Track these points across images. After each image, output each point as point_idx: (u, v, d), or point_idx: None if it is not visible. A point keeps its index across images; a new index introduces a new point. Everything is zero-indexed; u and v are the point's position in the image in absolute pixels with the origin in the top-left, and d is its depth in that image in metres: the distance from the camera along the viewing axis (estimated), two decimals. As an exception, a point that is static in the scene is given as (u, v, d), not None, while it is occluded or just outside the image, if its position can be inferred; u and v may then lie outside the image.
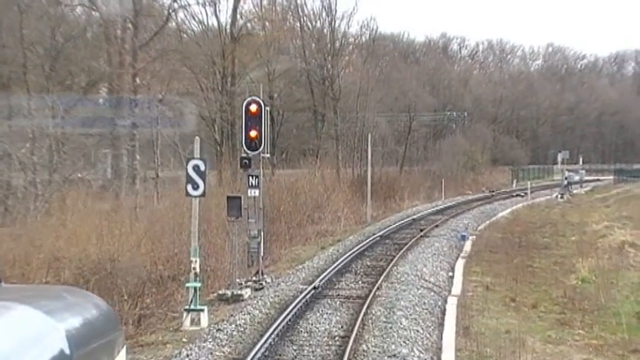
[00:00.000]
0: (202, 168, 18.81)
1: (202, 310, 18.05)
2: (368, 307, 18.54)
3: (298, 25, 65.15)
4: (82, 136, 38.71)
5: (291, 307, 18.27)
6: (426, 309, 19.27)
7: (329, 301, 19.68)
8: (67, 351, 3.53)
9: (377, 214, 45.74)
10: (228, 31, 51.64)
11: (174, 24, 50.43)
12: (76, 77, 43.69)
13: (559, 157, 78.45)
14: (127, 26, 41.49)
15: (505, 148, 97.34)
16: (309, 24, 66.18)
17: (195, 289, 18.05)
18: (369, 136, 46.87)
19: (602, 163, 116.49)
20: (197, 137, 19.69)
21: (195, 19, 52.35)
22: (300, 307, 18.81)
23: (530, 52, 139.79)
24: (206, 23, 52.36)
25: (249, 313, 18.12)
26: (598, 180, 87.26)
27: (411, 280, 22.86)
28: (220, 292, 21.22)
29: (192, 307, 17.97)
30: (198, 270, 18.33)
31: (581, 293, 23.24)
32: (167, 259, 25.27)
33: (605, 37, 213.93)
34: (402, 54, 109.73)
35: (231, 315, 18.21)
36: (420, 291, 21.36)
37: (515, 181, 77.73)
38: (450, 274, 25.74)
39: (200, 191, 18.76)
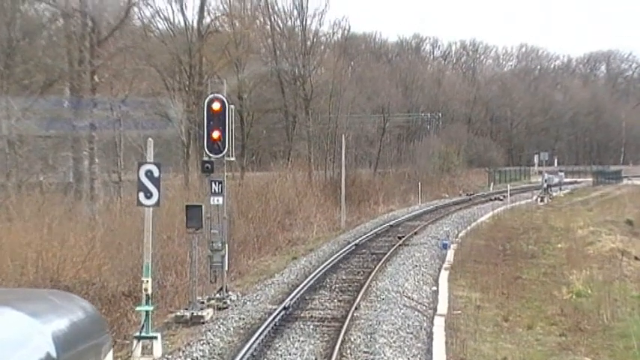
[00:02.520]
0: (156, 174, 16.33)
1: (155, 338, 15.65)
2: (346, 333, 16.23)
3: (268, 23, 62.88)
4: (40, 138, 36.45)
5: (257, 334, 15.91)
6: (411, 333, 17.00)
7: (301, 325, 17.32)
8: (54, 354, 3.58)
9: (351, 219, 43.45)
10: (195, 28, 49.22)
11: (138, 21, 48.05)
12: (34, 76, 41.33)
13: (536, 159, 76.72)
14: (87, 22, 39.08)
15: (480, 150, 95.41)
16: (279, 22, 63.97)
17: (147, 313, 15.64)
18: (343, 137, 44.60)
19: (577, 164, 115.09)
20: (150, 139, 17.34)
21: (160, 16, 49.85)
22: (269, 332, 16.47)
23: (504, 52, 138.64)
24: (172, 20, 49.89)
25: (209, 342, 15.73)
26: (576, 182, 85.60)
27: (392, 298, 20.57)
28: (178, 313, 18.81)
29: (143, 333, 15.56)
30: (150, 291, 15.89)
31: (578, 310, 21.11)
32: (123, 272, 22.86)
33: (578, 38, 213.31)
34: (375, 54, 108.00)
35: (188, 344, 15.83)
36: (402, 310, 19.08)
37: (492, 184, 75.77)
38: (434, 288, 23.49)
39: (154, 200, 16.26)
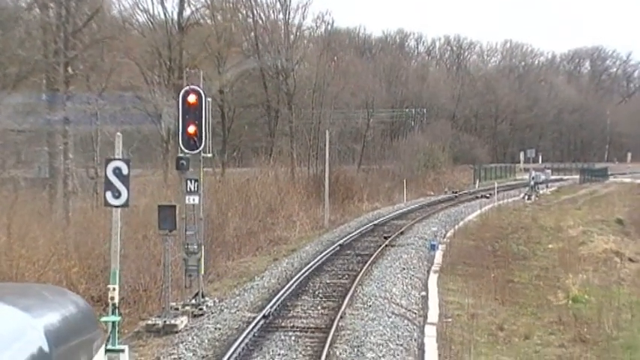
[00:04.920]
0: (125, 171, 14.86)
1: (122, 351, 14.24)
2: (331, 346, 14.91)
3: (251, 16, 61.44)
4: (13, 132, 35.07)
5: (234, 347, 14.57)
6: (401, 345, 15.72)
7: (282, 336, 15.97)
8: (46, 348, 3.56)
9: (335, 217, 42.10)
10: (175, 20, 47.82)
11: (117, 13, 46.62)
12: (7, 68, 39.92)
13: (521, 156, 75.75)
14: (61, 12, 37.68)
15: (465, 147, 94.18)
16: (262, 15, 62.54)
17: (113, 324, 14.23)
18: (327, 132, 43.24)
19: (561, 161, 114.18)
20: (118, 134, 15.93)
21: (139, 8, 48.36)
22: (246, 345, 15.13)
23: (488, 48, 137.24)
24: (152, 12, 48.39)
25: (181, 357, 14.35)
26: (561, 179, 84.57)
27: (380, 305, 19.24)
28: (150, 321, 17.44)
29: (109, 346, 14.14)
30: (117, 300, 14.49)
31: (576, 317, 19.89)
32: (94, 274, 21.53)
33: (562, 34, 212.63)
34: (358, 49, 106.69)
35: (158, 358, 14.45)
36: (391, 319, 17.77)
37: (477, 181, 74.56)
38: (423, 293, 22.21)
39: (122, 200, 14.79)
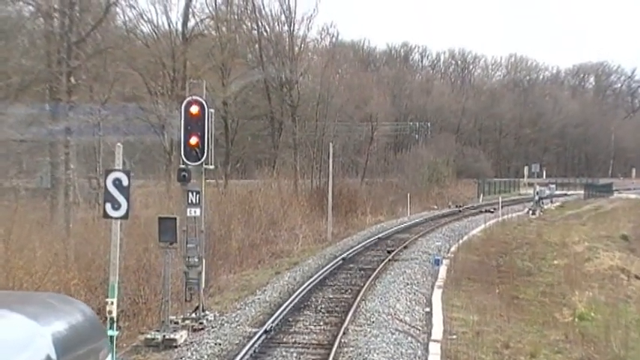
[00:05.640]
0: (125, 182, 14.57)
1: (120, 366, 13.99)
2: (333, 364, 14.59)
3: (255, 27, 61.19)
4: (15, 142, 34.89)
5: (234, 364, 14.26)
6: (405, 362, 15.36)
7: (283, 353, 15.64)
8: (54, 356, 3.59)
9: (338, 231, 41.75)
10: (179, 31, 47.66)
11: (121, 23, 46.43)
12: (10, 77, 39.75)
13: (526, 170, 75.35)
14: (65, 22, 37.50)
15: (469, 160, 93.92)
16: (266, 27, 62.25)
17: (110, 338, 13.90)
18: (330, 145, 42.93)
19: (565, 176, 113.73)
20: (119, 144, 15.64)
21: (143, 18, 48.15)
22: (247, 361, 14.81)
23: (493, 62, 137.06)
24: (156, 22, 48.20)
25: (180, 374, 14.03)
26: (566, 194, 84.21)
27: (383, 321, 18.90)
28: (149, 335, 17.11)
29: (107, 361, 13.83)
30: (115, 314, 14.19)
31: (583, 335, 19.58)
32: (94, 287, 21.20)
33: (567, 49, 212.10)
34: (363, 62, 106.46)
35: (157, 374, 14.14)
36: (394, 336, 17.42)
37: (481, 195, 74.20)
38: (427, 309, 21.85)
39: (122, 212, 14.49)
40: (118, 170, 14.74)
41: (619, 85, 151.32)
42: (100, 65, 39.46)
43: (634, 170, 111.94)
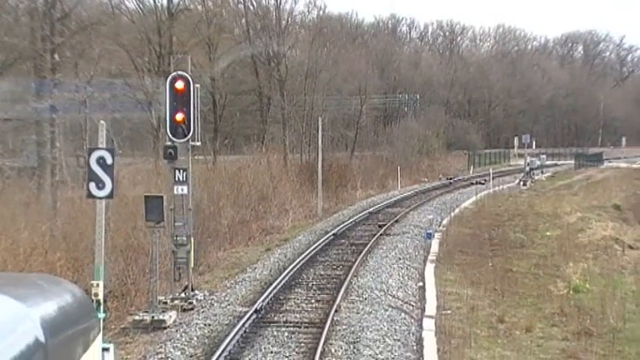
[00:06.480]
0: (109, 161, 14.07)
1: (107, 350, 13.53)
2: (325, 342, 14.26)
3: (242, 1, 60.56)
4: (0, 121, 34.50)
5: (225, 344, 13.91)
6: (399, 340, 15.08)
7: (274, 332, 15.32)
8: (41, 338, 3.53)
9: (329, 206, 41.38)
10: (164, 6, 47.02)
11: (105, -1, 45.85)
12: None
13: (516, 141, 75.10)
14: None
15: (459, 132, 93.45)
16: (253, 0, 61.59)
17: (97, 322, 13.53)
18: (319, 119, 42.47)
19: (555, 146, 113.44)
20: (102, 121, 15.17)
21: (128, -8, 47.55)
22: (237, 341, 14.47)
23: (481, 33, 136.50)
24: (141, -3, 47.54)
25: (168, 357, 13.68)
26: (556, 165, 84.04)
27: (376, 297, 18.60)
28: (137, 316, 16.75)
29: (94, 345, 13.46)
30: (101, 296, 13.77)
31: (578, 307, 19.30)
32: (81, 267, 20.77)
33: (555, 18, 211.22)
34: (351, 35, 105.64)
35: (144, 357, 13.78)
36: (388, 312, 17.14)
37: (472, 167, 73.93)
38: (420, 284, 21.56)
39: (107, 191, 14.00)
40: (102, 148, 14.25)
41: (608, 53, 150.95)
42: (85, 42, 38.88)
43: (624, 139, 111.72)
